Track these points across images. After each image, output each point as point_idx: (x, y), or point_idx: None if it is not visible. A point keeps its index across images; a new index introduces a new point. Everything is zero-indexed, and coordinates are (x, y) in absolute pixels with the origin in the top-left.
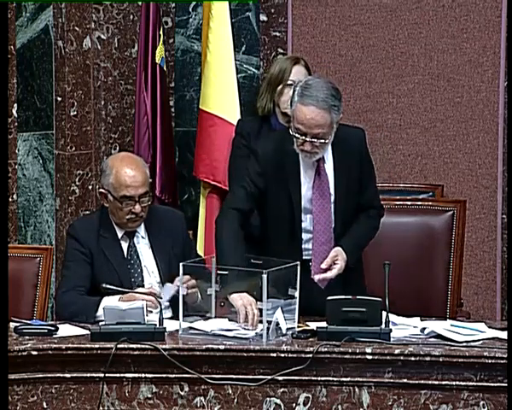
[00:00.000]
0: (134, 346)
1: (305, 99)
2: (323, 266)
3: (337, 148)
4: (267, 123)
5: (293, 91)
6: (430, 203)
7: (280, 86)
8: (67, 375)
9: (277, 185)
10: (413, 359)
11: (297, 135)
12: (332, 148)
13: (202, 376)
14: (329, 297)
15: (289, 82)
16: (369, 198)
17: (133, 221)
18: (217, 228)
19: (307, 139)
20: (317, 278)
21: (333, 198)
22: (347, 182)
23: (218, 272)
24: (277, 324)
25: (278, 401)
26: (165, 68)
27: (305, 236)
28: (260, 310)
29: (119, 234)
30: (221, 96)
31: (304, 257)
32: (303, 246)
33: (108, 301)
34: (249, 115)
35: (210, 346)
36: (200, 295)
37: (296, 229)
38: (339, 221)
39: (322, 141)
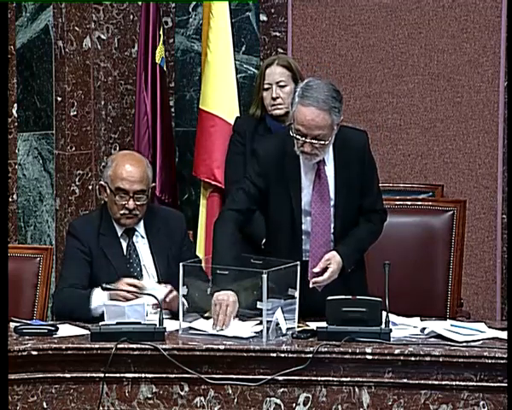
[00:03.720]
0: (134, 346)
1: (305, 100)
2: (316, 269)
3: (338, 150)
4: (263, 122)
5: (294, 92)
6: (430, 203)
7: (260, 92)
8: (67, 375)
9: (278, 187)
10: (413, 359)
11: (297, 136)
12: (333, 150)
13: (202, 376)
14: (329, 297)
15: (266, 86)
16: (371, 202)
17: (126, 217)
18: (214, 230)
19: (307, 140)
20: (311, 282)
21: (333, 202)
22: (348, 185)
23: (218, 271)
24: (277, 324)
25: (278, 401)
26: (165, 68)
27: (304, 237)
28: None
29: (119, 232)
30: (221, 95)
31: (304, 258)
32: (303, 247)
33: (98, 293)
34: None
35: (210, 346)
36: (185, 302)
37: (296, 230)
38: (338, 224)
39: (322, 142)
